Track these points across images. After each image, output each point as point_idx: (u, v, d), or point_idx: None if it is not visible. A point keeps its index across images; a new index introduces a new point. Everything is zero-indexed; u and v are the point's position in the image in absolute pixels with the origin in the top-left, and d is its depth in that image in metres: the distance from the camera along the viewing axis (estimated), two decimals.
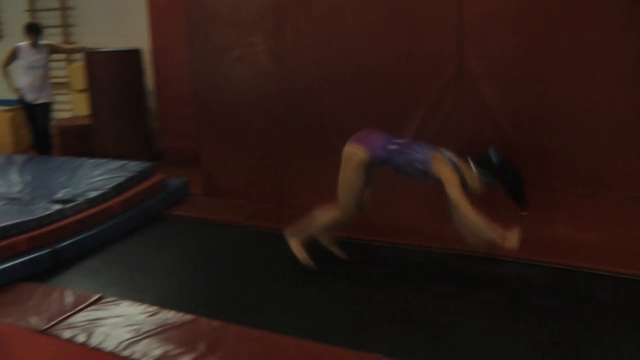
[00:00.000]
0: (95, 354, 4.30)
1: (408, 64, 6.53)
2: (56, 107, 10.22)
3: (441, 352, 4.37)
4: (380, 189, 6.80)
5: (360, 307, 5.11)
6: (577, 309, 4.96)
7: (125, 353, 4.33)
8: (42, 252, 6.01)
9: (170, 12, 9.40)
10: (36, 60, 9.20)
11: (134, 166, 7.82)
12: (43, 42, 9.32)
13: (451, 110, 6.45)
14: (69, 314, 4.94)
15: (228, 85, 7.53)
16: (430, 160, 5.28)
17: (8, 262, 5.73)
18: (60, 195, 7.11)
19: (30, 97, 9.26)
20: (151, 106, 10.37)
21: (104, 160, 8.24)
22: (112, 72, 9.74)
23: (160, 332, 4.62)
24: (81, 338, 4.56)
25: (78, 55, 10.87)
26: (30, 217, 6.24)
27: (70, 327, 4.74)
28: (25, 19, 11.27)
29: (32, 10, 11.92)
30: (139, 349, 4.39)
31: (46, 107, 9.40)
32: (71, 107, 11.40)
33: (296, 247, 5.91)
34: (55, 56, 9.76)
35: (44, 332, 4.68)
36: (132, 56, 9.93)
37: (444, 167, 5.24)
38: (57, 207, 6.61)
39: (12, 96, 9.97)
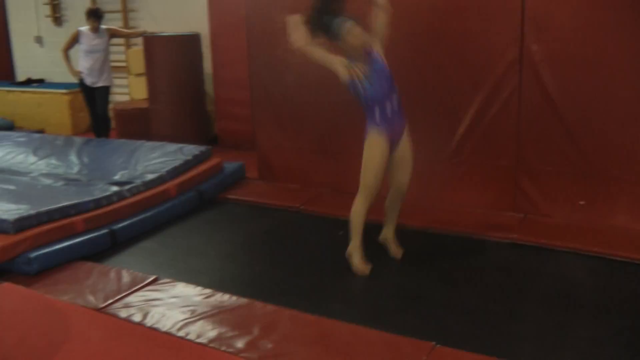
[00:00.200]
0: (151, 334, 4.32)
1: (468, 49, 6.44)
2: (115, 90, 10.33)
3: (495, 342, 4.29)
4: (436, 177, 6.77)
5: (414, 294, 5.06)
6: (635, 303, 4.84)
7: (180, 334, 4.35)
8: (99, 233, 6.07)
9: None
10: (96, 44, 9.28)
11: (190, 149, 7.85)
12: (103, 26, 9.39)
13: (510, 95, 6.34)
14: (125, 293, 4.98)
15: (286, 70, 7.51)
16: None
17: (66, 241, 5.80)
18: (117, 177, 7.18)
19: (89, 80, 9.36)
20: (208, 90, 10.40)
21: (160, 143, 8.29)
22: (171, 56, 9.80)
23: (215, 314, 4.62)
24: (137, 317, 4.59)
25: (137, 40, 10.96)
26: (88, 198, 6.30)
27: (126, 306, 4.77)
28: (86, 4, 11.37)
29: None
30: (194, 330, 4.39)
31: (105, 91, 9.49)
32: (129, 90, 11.49)
33: (359, 263, 5.49)
34: (114, 40, 9.83)
35: (100, 310, 4.71)
36: (190, 40, 9.97)
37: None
38: (115, 188, 6.67)
39: (72, 79, 10.10)
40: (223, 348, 4.15)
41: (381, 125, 5.44)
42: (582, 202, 6.23)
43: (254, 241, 6.39)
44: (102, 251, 6.00)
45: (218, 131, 10.27)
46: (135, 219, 6.48)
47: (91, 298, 4.92)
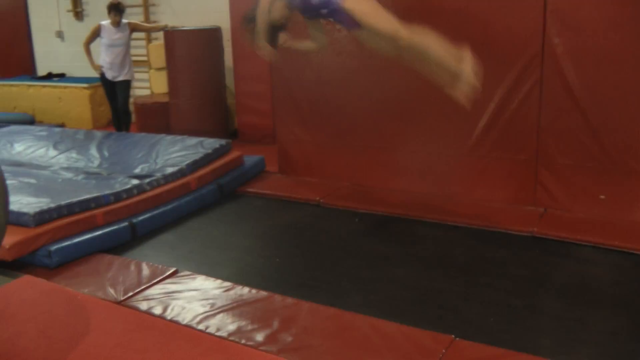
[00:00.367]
0: (172, 326, 4.32)
1: (490, 42, 6.40)
2: (135, 84, 10.36)
3: (514, 335, 4.28)
4: (457, 171, 6.75)
5: (433, 287, 5.05)
6: None
7: (200, 327, 4.36)
8: (119, 226, 6.09)
9: None
10: (117, 38, 9.31)
11: (210, 143, 7.85)
12: (125, 21, 9.41)
13: (531, 89, 6.30)
14: (145, 286, 5.00)
15: (306, 63, 7.50)
16: None
17: (86, 234, 5.82)
18: (137, 170, 7.21)
19: (110, 74, 9.39)
20: (229, 84, 10.41)
21: (181, 136, 8.30)
22: (191, 50, 9.81)
23: (235, 307, 4.63)
24: (157, 310, 4.61)
25: (158, 34, 10.98)
26: (109, 191, 6.33)
27: (146, 299, 4.79)
28: None
29: None
30: (213, 323, 4.40)
31: (126, 85, 9.52)
32: (150, 84, 11.52)
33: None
34: (135, 35, 9.85)
35: (121, 303, 4.74)
36: (211, 34, 9.98)
37: None
38: (135, 182, 6.69)
39: (92, 74, 10.13)
40: (243, 341, 4.15)
41: None
42: (602, 196, 6.19)
43: (273, 234, 6.39)
44: (122, 244, 6.02)
45: (238, 125, 10.28)
46: (155, 212, 6.50)
47: (111, 291, 4.94)
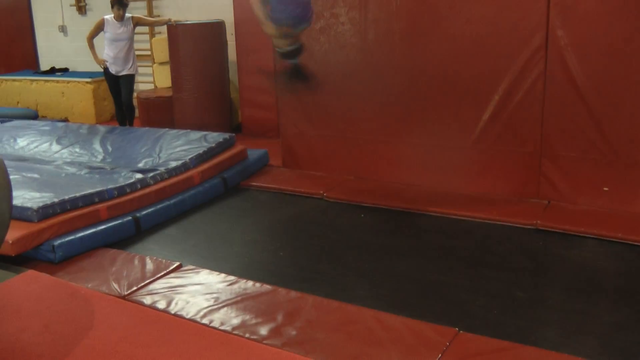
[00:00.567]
0: (176, 321, 4.33)
1: (493, 34, 6.39)
2: (139, 78, 10.36)
3: (518, 327, 4.28)
4: (460, 163, 6.75)
5: (437, 280, 5.05)
6: None
7: (205, 321, 4.36)
8: (123, 220, 6.10)
9: None
10: (121, 32, 9.30)
11: (214, 137, 7.86)
12: (128, 15, 9.40)
13: (535, 81, 6.29)
14: (149, 280, 5.01)
15: (310, 57, 7.48)
16: None
17: (90, 229, 5.83)
18: (141, 164, 7.21)
19: (114, 69, 9.38)
20: (232, 78, 10.41)
21: (184, 131, 8.31)
22: (195, 44, 9.79)
23: (239, 301, 4.63)
24: (161, 304, 4.61)
25: (161, 28, 10.97)
26: (112, 186, 6.33)
27: (150, 293, 4.80)
28: None
29: None
30: (217, 317, 4.41)
31: (130, 79, 9.51)
32: (153, 78, 11.51)
33: None
34: (138, 29, 9.83)
35: (125, 297, 4.75)
36: (214, 28, 9.96)
37: None
38: (139, 176, 6.70)
39: (96, 68, 10.13)
40: (247, 335, 4.16)
41: None
42: (606, 189, 6.18)
43: (277, 228, 6.40)
44: (126, 238, 6.03)
45: (242, 119, 10.28)
46: (159, 206, 6.51)
47: (115, 285, 4.95)
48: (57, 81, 12.30)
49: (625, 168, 6.07)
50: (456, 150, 6.81)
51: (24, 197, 5.89)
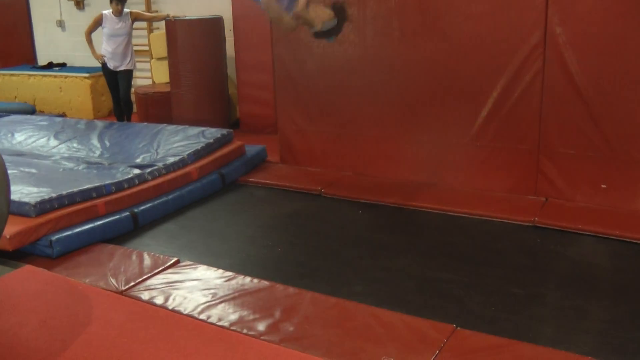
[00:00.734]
0: (173, 316, 4.33)
1: (491, 31, 6.39)
2: (137, 74, 10.36)
3: (515, 324, 4.29)
4: (458, 160, 6.75)
5: (435, 276, 5.05)
6: None
7: (202, 316, 4.36)
8: (120, 216, 6.09)
9: None
10: (119, 28, 9.30)
11: (212, 133, 7.85)
12: (127, 10, 9.40)
13: (533, 79, 6.29)
14: (147, 276, 5.00)
15: (309, 53, 7.49)
16: None
17: (88, 224, 5.82)
18: (139, 160, 7.21)
19: (112, 64, 9.39)
20: (230, 73, 10.41)
21: (182, 126, 8.30)
22: (193, 40, 9.79)
23: (237, 297, 4.63)
24: (159, 300, 4.61)
25: (159, 23, 10.97)
26: (110, 181, 6.32)
27: (148, 289, 4.79)
28: None
29: None
30: (215, 312, 4.41)
31: (128, 74, 9.52)
32: (151, 74, 11.51)
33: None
34: (136, 24, 9.83)
35: (122, 293, 4.74)
36: (213, 24, 9.96)
37: None
38: (136, 171, 6.68)
39: (93, 63, 10.12)
40: (244, 331, 4.16)
41: None
42: (603, 186, 6.19)
43: (275, 224, 6.39)
44: (123, 234, 6.02)
45: (240, 115, 10.29)
46: (156, 202, 6.50)
47: (113, 281, 4.95)
48: (55, 76, 12.30)
49: (623, 165, 6.07)
50: (454, 146, 6.82)
51: (22, 192, 5.88)
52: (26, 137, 8.56)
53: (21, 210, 5.58)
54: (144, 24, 11.19)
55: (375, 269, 5.23)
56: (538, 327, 4.25)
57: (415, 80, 6.90)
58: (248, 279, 4.89)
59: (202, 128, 8.02)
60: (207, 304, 4.53)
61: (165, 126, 8.32)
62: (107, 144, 8.00)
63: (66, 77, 12.15)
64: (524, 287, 4.81)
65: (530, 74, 6.29)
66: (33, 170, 6.85)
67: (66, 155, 7.69)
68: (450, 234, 5.91)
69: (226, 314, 4.38)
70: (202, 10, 10.45)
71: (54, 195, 5.81)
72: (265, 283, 4.82)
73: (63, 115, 11.51)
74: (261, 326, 4.21)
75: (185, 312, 4.42)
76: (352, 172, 7.50)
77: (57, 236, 5.52)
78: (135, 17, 9.54)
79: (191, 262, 5.25)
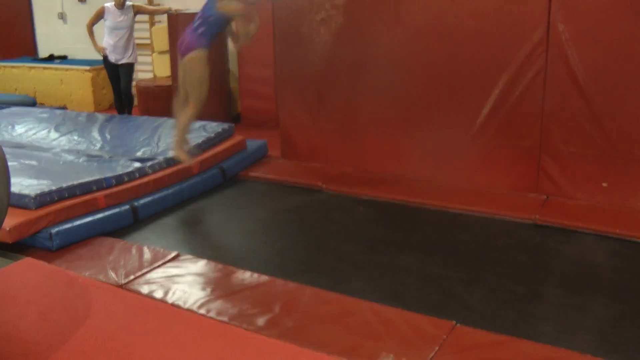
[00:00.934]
0: (173, 310, 4.33)
1: (494, 28, 6.38)
2: (138, 67, 10.33)
3: (515, 321, 4.29)
4: (460, 157, 6.75)
5: (435, 273, 5.05)
6: None
7: (202, 311, 4.36)
8: (121, 209, 6.08)
9: None
10: (121, 21, 9.27)
11: (213, 127, 7.85)
12: (129, 3, 9.38)
13: (535, 76, 6.28)
14: (146, 270, 5.00)
15: (310, 48, 7.48)
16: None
17: (88, 217, 5.82)
18: (140, 153, 7.19)
19: (114, 57, 9.36)
20: (232, 68, 10.39)
21: None
22: None
23: (236, 291, 4.63)
24: (159, 294, 4.61)
25: (161, 17, 10.95)
26: (110, 174, 6.31)
27: (148, 282, 4.79)
28: None
29: None
30: (215, 307, 4.41)
31: (129, 68, 9.50)
32: (153, 67, 11.49)
33: (181, 154, 6.64)
34: (138, 17, 9.81)
35: (122, 286, 4.74)
36: None
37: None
38: (137, 165, 6.68)
39: (95, 56, 10.10)
40: (244, 325, 4.16)
41: (204, 46, 6.73)
42: (605, 184, 6.18)
43: (275, 219, 6.39)
44: (123, 227, 6.02)
45: (241, 109, 10.27)
46: (157, 196, 6.50)
47: (113, 274, 4.94)
48: (56, 68, 12.28)
49: (625, 164, 6.06)
50: (455, 143, 6.81)
51: (22, 184, 5.87)
52: (27, 129, 8.55)
53: (21, 202, 5.58)
54: (145, 18, 11.19)
55: (375, 265, 5.22)
56: (538, 324, 4.25)
57: (418, 77, 6.88)
58: (248, 273, 4.89)
59: (203, 122, 8.00)
60: (207, 298, 4.53)
61: (166, 120, 8.30)
62: (108, 137, 7.99)
63: (67, 69, 12.13)
64: (524, 284, 4.81)
65: (532, 71, 6.27)
66: (33, 163, 6.84)
67: (67, 147, 7.67)
68: (451, 231, 5.90)
69: (225, 309, 4.38)
70: (204, 4, 10.40)
71: (54, 187, 5.81)
72: (265, 278, 4.82)
73: (64, 107, 11.50)
74: (260, 321, 4.21)
75: (185, 306, 4.42)
76: (353, 167, 7.49)
77: (57, 229, 5.52)
78: (138, 11, 9.52)
79: (191, 256, 5.25)
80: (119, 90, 9.60)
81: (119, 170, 6.46)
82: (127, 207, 6.14)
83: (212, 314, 4.31)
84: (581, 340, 4.04)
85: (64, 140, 8.01)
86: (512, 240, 5.66)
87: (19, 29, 13.65)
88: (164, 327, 4.03)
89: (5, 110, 9.58)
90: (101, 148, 7.60)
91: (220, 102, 10.06)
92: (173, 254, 5.25)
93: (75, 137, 8.06)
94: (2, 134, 8.45)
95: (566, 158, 6.30)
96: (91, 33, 9.35)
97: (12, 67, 12.78)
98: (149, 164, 6.73)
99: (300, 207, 6.63)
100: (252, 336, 3.98)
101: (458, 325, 4.12)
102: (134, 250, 5.37)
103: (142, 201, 6.31)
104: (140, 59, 10.36)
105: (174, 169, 6.87)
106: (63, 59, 12.90)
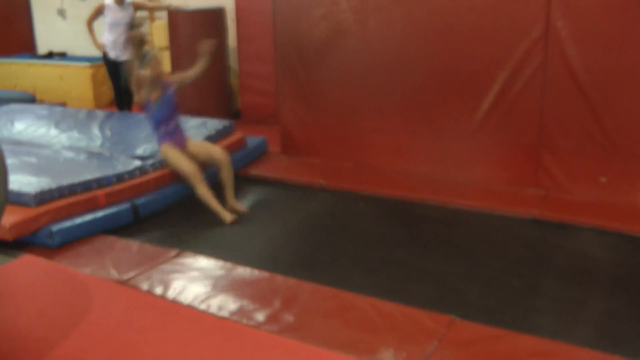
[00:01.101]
0: (173, 306, 4.34)
1: (493, 24, 6.39)
2: None
3: (514, 316, 4.31)
4: (459, 153, 6.75)
5: (434, 268, 5.07)
6: None
7: (202, 307, 4.38)
8: (121, 207, 6.09)
9: None
10: (121, 17, 9.26)
11: (213, 124, 7.84)
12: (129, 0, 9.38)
13: (534, 72, 6.29)
14: (147, 267, 5.01)
15: (310, 44, 7.48)
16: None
17: (88, 215, 5.83)
18: (140, 151, 7.18)
19: (113, 53, 9.34)
20: (232, 64, 10.39)
21: (183, 117, 8.25)
22: (195, 30, 9.75)
23: (236, 287, 4.65)
24: (159, 290, 4.62)
25: (161, 13, 10.94)
26: (111, 172, 6.32)
27: (148, 279, 4.80)
28: None
29: None
30: (215, 303, 4.42)
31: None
32: None
33: (228, 216, 6.19)
34: (138, 13, 9.80)
35: (122, 283, 4.75)
36: (215, 14, 9.93)
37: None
38: (137, 162, 6.67)
39: (94, 52, 10.10)
40: (244, 321, 4.17)
41: (166, 139, 6.44)
42: (603, 179, 6.19)
43: (275, 215, 6.39)
44: (124, 225, 6.02)
45: (241, 106, 10.27)
46: (157, 193, 6.50)
47: (113, 271, 4.96)
48: (55, 65, 12.27)
49: (623, 159, 6.08)
50: (455, 139, 6.82)
51: (21, 181, 5.87)
52: (26, 126, 8.53)
53: (21, 200, 5.59)
54: (145, 14, 11.17)
55: (374, 260, 5.24)
56: (537, 318, 4.27)
57: (417, 72, 6.89)
58: (248, 269, 4.91)
59: (204, 119, 8.01)
60: (207, 294, 4.55)
61: None
62: (108, 133, 7.98)
63: (67, 66, 12.12)
64: (523, 279, 4.83)
65: (531, 67, 6.28)
66: (33, 160, 6.83)
67: (67, 145, 7.67)
68: (450, 226, 5.92)
69: (226, 305, 4.40)
70: (204, 0, 10.43)
71: (54, 185, 5.81)
72: (265, 274, 4.83)
73: (63, 104, 11.49)
74: (261, 316, 4.23)
75: (185, 303, 4.44)
76: (353, 163, 7.50)
77: (57, 227, 5.53)
78: (138, 7, 9.50)
79: (192, 253, 5.26)
80: (119, 87, 9.58)
81: (119, 168, 6.46)
82: (127, 205, 6.14)
83: (212, 310, 4.33)
84: (579, 334, 4.05)
85: (64, 137, 8.00)
86: (511, 235, 5.68)
87: (17, 25, 13.64)
88: (164, 324, 4.05)
89: (4, 107, 9.57)
90: (101, 145, 7.59)
91: (220, 99, 10.07)
92: (174, 252, 5.27)
93: (76, 135, 8.05)
94: (2, 130, 8.44)
95: (565, 153, 6.32)
96: (91, 30, 9.34)
97: (11, 63, 12.76)
98: (149, 161, 6.73)
99: (300, 203, 6.64)
100: (252, 332, 4.01)
101: (457, 319, 4.15)
102: (134, 248, 5.38)
103: (142, 199, 6.32)
104: None
105: None
106: (62, 55, 12.90)
